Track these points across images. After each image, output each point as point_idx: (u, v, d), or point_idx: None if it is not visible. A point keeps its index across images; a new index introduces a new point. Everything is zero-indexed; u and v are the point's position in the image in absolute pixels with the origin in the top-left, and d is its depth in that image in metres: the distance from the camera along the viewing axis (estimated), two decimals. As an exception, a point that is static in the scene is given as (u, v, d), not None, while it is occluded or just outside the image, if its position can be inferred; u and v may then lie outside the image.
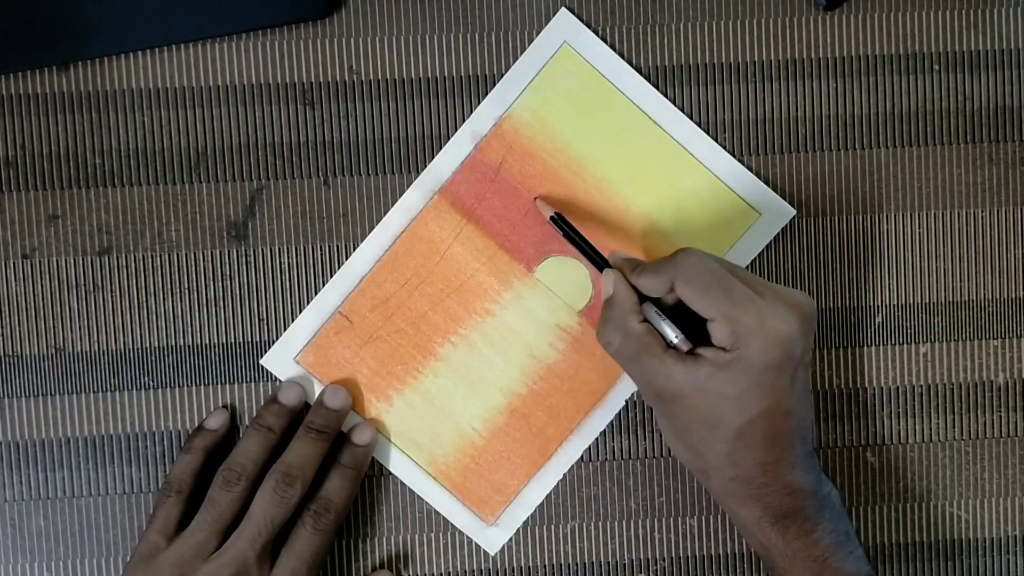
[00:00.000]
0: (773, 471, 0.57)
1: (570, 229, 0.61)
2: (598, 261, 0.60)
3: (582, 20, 0.64)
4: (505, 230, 0.64)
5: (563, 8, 0.64)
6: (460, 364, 0.65)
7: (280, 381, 0.64)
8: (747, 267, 0.65)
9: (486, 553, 0.65)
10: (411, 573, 0.65)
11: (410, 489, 0.65)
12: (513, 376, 0.65)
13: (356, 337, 0.64)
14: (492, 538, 0.65)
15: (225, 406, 0.64)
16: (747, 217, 0.65)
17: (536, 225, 0.64)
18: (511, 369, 0.65)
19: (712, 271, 0.56)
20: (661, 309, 0.58)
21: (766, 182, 0.65)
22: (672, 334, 0.57)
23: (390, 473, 0.65)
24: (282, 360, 0.64)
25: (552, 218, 0.61)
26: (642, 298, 0.59)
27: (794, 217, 0.65)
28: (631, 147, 0.64)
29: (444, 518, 0.65)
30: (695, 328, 0.57)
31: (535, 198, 0.64)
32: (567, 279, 0.64)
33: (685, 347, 0.57)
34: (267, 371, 0.64)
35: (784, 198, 0.65)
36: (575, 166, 0.64)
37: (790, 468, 0.57)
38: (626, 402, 0.65)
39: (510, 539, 0.65)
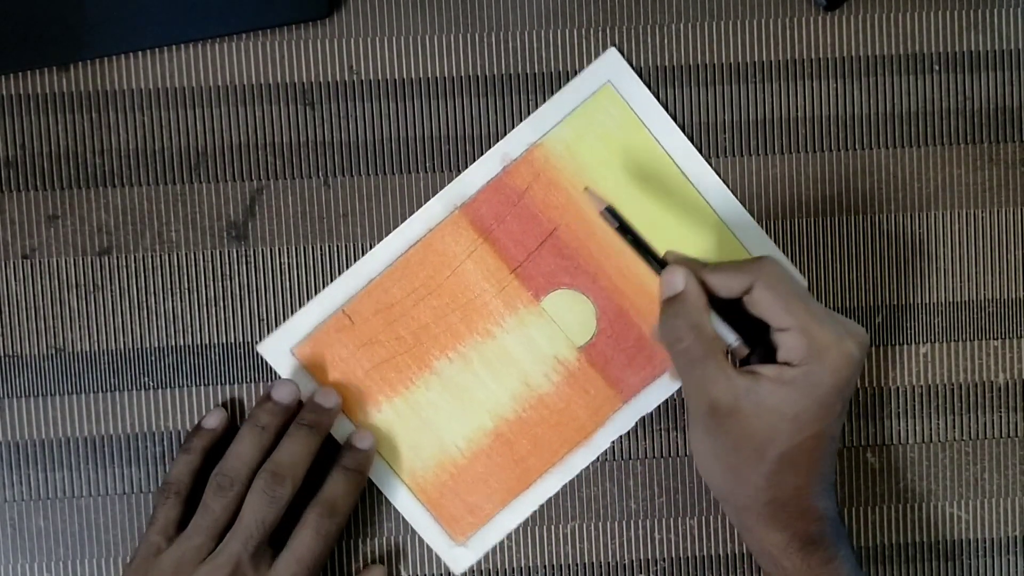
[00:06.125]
0: (806, 496, 0.57)
1: (623, 223, 0.59)
2: (654, 256, 0.58)
3: (586, 19, 0.64)
4: (519, 256, 0.64)
5: (612, 47, 0.64)
6: (453, 381, 0.65)
7: (276, 377, 0.64)
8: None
9: (487, 553, 0.65)
10: (410, 573, 0.65)
11: (372, 480, 0.64)
12: (504, 401, 0.65)
13: (355, 338, 0.64)
14: (458, 558, 0.65)
15: (224, 404, 0.64)
16: None
17: (550, 256, 0.64)
18: (503, 394, 0.65)
19: (792, 282, 0.56)
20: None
21: (767, 182, 0.65)
22: (732, 338, 0.56)
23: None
24: (279, 349, 0.64)
25: (606, 210, 0.59)
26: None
27: (794, 217, 0.65)
28: (656, 195, 0.64)
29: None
30: (749, 341, 0.57)
31: (584, 188, 0.63)
32: (572, 313, 0.64)
33: (745, 352, 0.56)
34: (267, 371, 0.64)
35: (784, 198, 0.65)
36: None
37: (820, 494, 0.57)
38: (611, 443, 0.65)
39: (532, 533, 0.65)
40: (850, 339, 0.55)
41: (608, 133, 0.64)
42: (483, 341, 0.65)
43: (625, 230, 0.59)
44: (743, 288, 0.56)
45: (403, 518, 0.65)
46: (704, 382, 0.56)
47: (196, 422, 0.64)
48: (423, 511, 0.65)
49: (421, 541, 0.65)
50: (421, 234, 0.64)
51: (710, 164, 0.64)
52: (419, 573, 0.65)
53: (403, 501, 0.65)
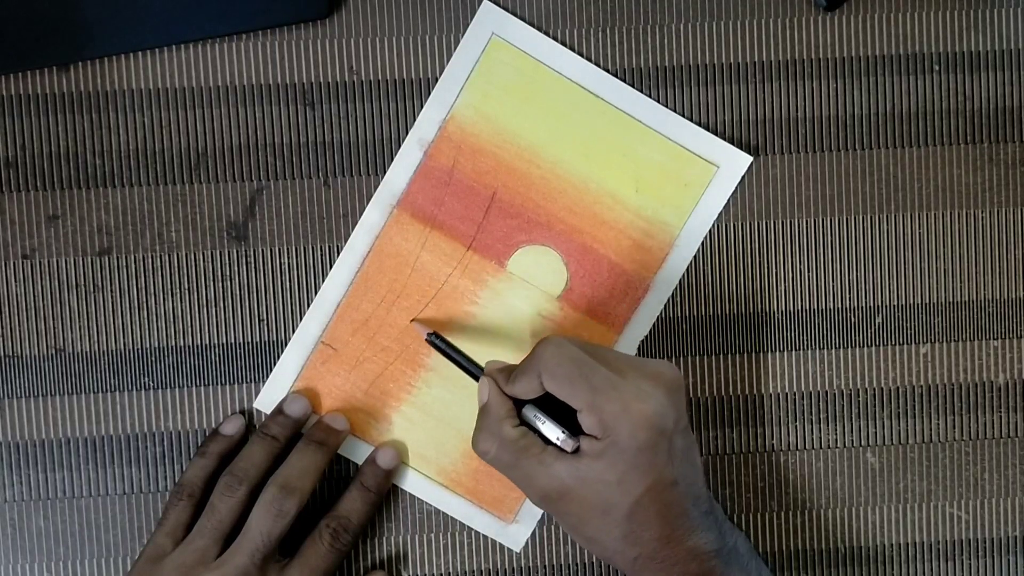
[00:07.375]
0: (673, 542, 0.57)
1: (446, 346, 0.60)
2: (473, 372, 0.60)
3: (586, 19, 0.64)
4: (470, 230, 0.64)
5: (486, 1, 0.64)
6: (451, 370, 0.65)
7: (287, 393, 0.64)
8: (715, 220, 0.65)
9: (485, 553, 0.65)
10: (410, 574, 0.65)
11: (409, 492, 0.65)
12: None
13: (343, 364, 0.64)
14: (515, 535, 0.65)
15: (241, 412, 0.64)
16: (706, 172, 0.64)
17: (500, 219, 0.64)
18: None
19: (572, 359, 0.56)
20: (540, 403, 0.58)
21: (767, 182, 0.65)
22: (557, 432, 0.57)
23: (403, 490, 0.65)
24: (274, 399, 0.64)
25: (428, 338, 0.61)
26: (522, 401, 0.58)
27: (794, 217, 0.65)
28: (579, 125, 0.64)
29: (453, 519, 0.65)
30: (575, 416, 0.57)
31: (411, 320, 0.64)
32: (540, 267, 0.64)
33: (571, 446, 0.56)
34: (267, 371, 0.64)
35: (784, 198, 0.65)
36: (527, 154, 0.64)
37: (689, 534, 0.57)
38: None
39: (532, 533, 0.65)
40: (637, 402, 0.55)
41: (511, 83, 0.64)
42: (465, 323, 0.65)
43: (447, 353, 0.60)
44: (536, 385, 0.57)
45: (418, 512, 0.65)
46: (525, 479, 0.57)
47: (197, 423, 0.64)
48: (465, 503, 0.65)
49: (421, 541, 0.65)
50: (370, 244, 0.64)
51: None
52: (419, 573, 0.65)
53: (444, 500, 0.65)
